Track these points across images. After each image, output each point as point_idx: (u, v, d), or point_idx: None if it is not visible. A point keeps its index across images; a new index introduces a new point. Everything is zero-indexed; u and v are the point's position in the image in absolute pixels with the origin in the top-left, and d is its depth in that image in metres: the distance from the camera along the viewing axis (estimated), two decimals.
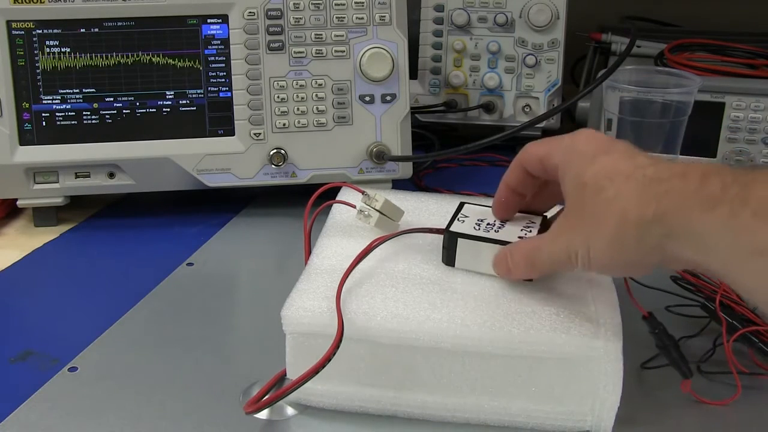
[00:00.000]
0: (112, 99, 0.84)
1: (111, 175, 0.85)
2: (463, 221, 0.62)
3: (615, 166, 0.51)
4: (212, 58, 0.85)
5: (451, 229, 0.60)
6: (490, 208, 0.63)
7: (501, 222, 0.61)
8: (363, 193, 0.65)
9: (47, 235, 0.85)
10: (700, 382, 0.59)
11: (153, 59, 0.84)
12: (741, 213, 0.44)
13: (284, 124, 0.86)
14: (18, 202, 0.85)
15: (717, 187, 0.46)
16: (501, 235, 0.59)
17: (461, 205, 0.64)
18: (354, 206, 0.66)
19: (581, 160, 0.53)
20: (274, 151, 0.85)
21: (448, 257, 0.60)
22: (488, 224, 0.61)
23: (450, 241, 0.60)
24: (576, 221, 0.53)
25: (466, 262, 0.60)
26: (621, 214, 0.49)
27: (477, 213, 0.63)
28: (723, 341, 0.59)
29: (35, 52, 0.82)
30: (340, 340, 0.52)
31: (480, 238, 0.59)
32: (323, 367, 0.51)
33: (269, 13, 0.84)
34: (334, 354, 0.51)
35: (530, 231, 0.60)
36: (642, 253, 0.49)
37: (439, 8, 1.05)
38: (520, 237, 0.59)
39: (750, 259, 0.44)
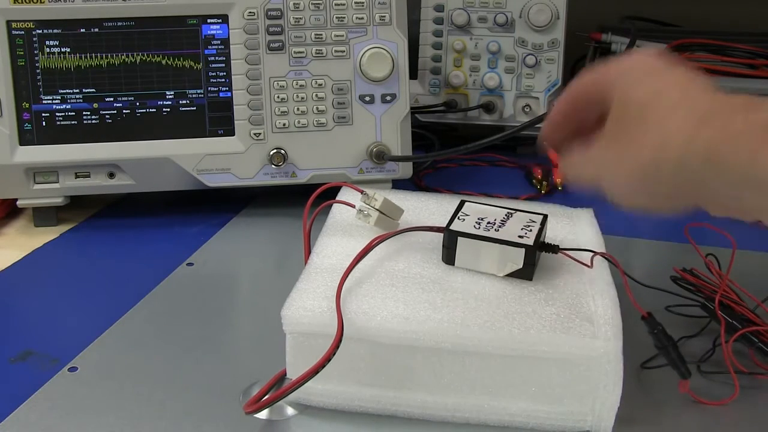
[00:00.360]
0: (112, 99, 0.84)
1: (111, 175, 0.85)
2: (464, 220, 0.61)
3: (666, 91, 0.46)
4: (212, 58, 0.85)
5: (451, 227, 0.60)
6: (491, 207, 0.63)
7: (501, 221, 0.61)
8: (362, 192, 0.65)
9: (47, 235, 0.85)
10: (700, 382, 0.59)
11: (153, 59, 0.84)
12: None
13: (284, 124, 0.86)
14: (18, 202, 0.85)
15: (765, 121, 0.41)
16: (501, 234, 0.59)
17: (462, 203, 0.64)
18: (353, 206, 0.66)
19: (632, 76, 0.49)
20: (274, 151, 0.85)
21: (448, 256, 0.60)
22: (489, 223, 0.61)
23: (450, 240, 0.60)
24: (615, 136, 0.49)
25: (466, 261, 0.60)
26: (666, 137, 0.45)
27: (478, 212, 0.63)
28: (721, 341, 0.59)
29: (35, 52, 0.82)
30: (340, 340, 0.52)
31: (480, 237, 0.59)
32: (323, 367, 0.51)
33: (269, 13, 0.84)
34: (334, 354, 0.51)
35: (530, 230, 0.60)
36: (677, 186, 0.45)
37: (439, 8, 1.05)
38: (519, 236, 0.59)
39: None
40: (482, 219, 0.61)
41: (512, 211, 0.63)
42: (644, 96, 0.47)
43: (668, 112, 0.45)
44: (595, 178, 0.51)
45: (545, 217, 0.62)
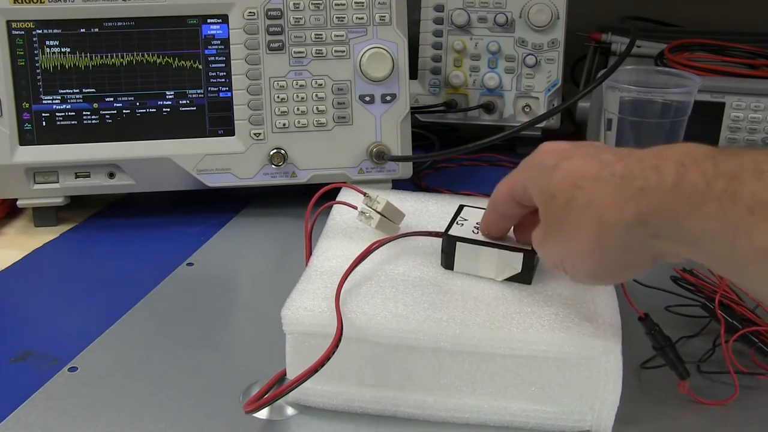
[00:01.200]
0: (112, 99, 0.84)
1: (111, 175, 0.85)
2: (462, 224, 0.61)
3: (580, 171, 0.47)
4: (212, 58, 0.85)
5: (450, 232, 0.60)
6: None
7: None
8: (364, 194, 0.65)
9: (47, 235, 0.85)
10: (700, 382, 0.59)
11: (153, 59, 0.84)
12: (733, 210, 0.40)
13: (284, 124, 0.86)
14: (18, 202, 0.85)
15: (698, 181, 0.42)
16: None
17: (460, 207, 0.64)
18: (355, 207, 0.66)
19: (544, 172, 0.49)
20: (274, 151, 0.85)
21: (447, 261, 0.60)
22: None
23: (449, 245, 0.60)
24: (552, 234, 0.50)
25: (464, 266, 0.60)
26: (598, 221, 0.46)
27: (476, 216, 0.63)
28: (721, 341, 0.59)
29: (35, 52, 0.82)
30: (339, 340, 0.52)
31: (479, 242, 0.59)
32: (322, 366, 0.51)
33: (269, 13, 0.84)
34: (333, 353, 0.51)
35: None
36: (630, 256, 0.47)
37: (439, 8, 1.05)
38: (518, 241, 0.59)
39: (753, 262, 0.41)
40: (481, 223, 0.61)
41: None
42: (564, 186, 0.48)
43: (591, 193, 0.46)
44: (551, 265, 0.52)
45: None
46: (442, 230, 0.61)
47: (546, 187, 0.49)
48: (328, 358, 0.51)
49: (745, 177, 0.41)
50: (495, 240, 0.59)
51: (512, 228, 0.59)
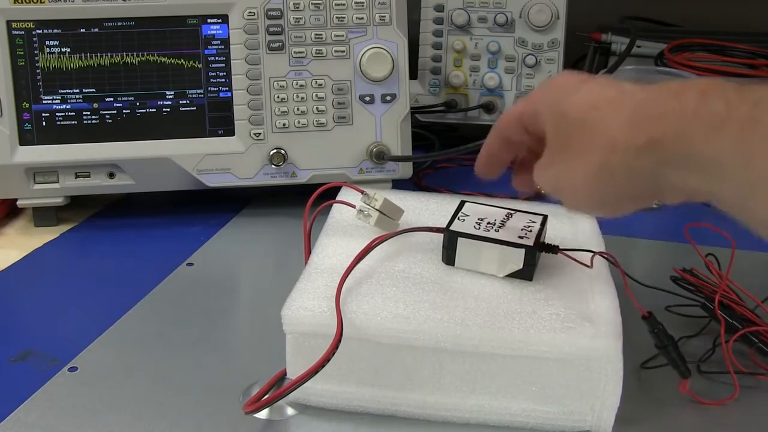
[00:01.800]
0: (112, 99, 0.84)
1: (111, 175, 0.85)
2: (464, 220, 0.61)
3: (599, 93, 0.46)
4: (212, 58, 0.85)
5: (452, 228, 0.60)
6: (491, 207, 0.63)
7: (501, 221, 0.61)
8: (362, 192, 0.65)
9: (47, 235, 0.85)
10: (700, 383, 0.59)
11: (153, 59, 0.84)
12: (753, 136, 0.40)
13: (284, 124, 0.86)
14: (18, 202, 0.85)
15: (720, 106, 0.41)
16: (501, 235, 0.59)
17: (462, 203, 0.64)
18: (354, 206, 0.66)
19: (561, 92, 0.48)
20: (274, 151, 0.85)
21: (448, 257, 0.60)
22: (489, 223, 0.61)
23: (450, 241, 0.60)
24: (557, 154, 0.49)
25: (466, 262, 0.60)
26: (608, 143, 0.45)
27: (478, 212, 0.63)
28: (721, 341, 0.59)
29: (35, 52, 0.82)
30: (340, 340, 0.52)
31: (480, 238, 0.59)
32: (323, 367, 0.51)
33: (269, 13, 0.84)
34: (334, 354, 0.51)
35: (530, 231, 0.60)
36: (633, 184, 0.46)
37: (439, 8, 1.05)
38: (520, 237, 0.59)
39: (765, 190, 0.40)
40: (482, 219, 0.61)
41: (512, 212, 0.63)
42: (580, 105, 0.47)
43: (607, 114, 0.45)
44: (551, 191, 0.51)
45: (545, 217, 0.62)
46: (443, 227, 0.61)
47: (559, 105, 0.48)
48: (328, 359, 0.51)
49: (765, 104, 0.40)
50: (486, 171, 0.58)
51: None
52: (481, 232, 0.60)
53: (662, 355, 0.57)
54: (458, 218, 0.62)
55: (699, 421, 0.56)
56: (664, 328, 0.57)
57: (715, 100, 0.42)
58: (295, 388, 0.52)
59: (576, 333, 0.53)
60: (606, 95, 0.46)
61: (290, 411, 0.56)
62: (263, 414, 0.55)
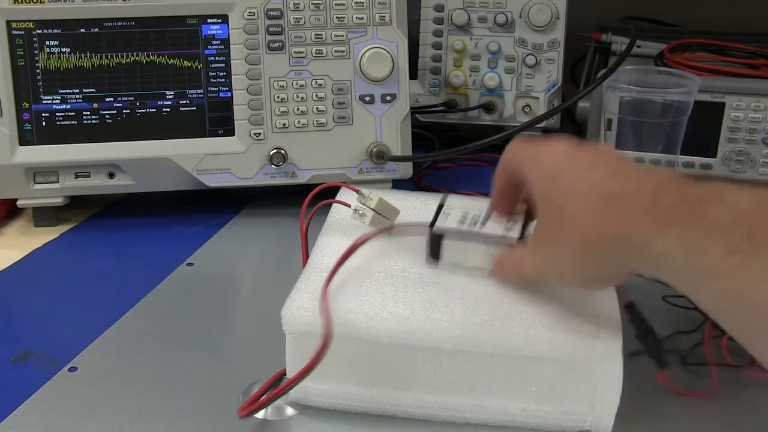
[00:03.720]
0: (112, 99, 0.84)
1: (111, 175, 0.85)
2: (448, 215, 0.61)
3: (574, 185, 0.50)
4: (212, 58, 0.85)
5: (436, 224, 0.60)
6: (475, 202, 0.63)
7: (485, 215, 0.61)
8: (358, 192, 0.66)
9: (47, 235, 0.85)
10: (698, 380, 0.59)
11: (153, 59, 0.84)
12: (693, 232, 0.43)
13: (284, 124, 0.86)
14: (18, 202, 0.85)
15: (670, 205, 0.45)
16: (487, 229, 0.59)
17: (444, 197, 0.64)
18: (350, 205, 0.66)
19: (546, 175, 0.52)
20: (274, 151, 0.85)
21: (434, 253, 0.60)
22: (473, 217, 0.61)
23: (434, 240, 0.60)
24: (546, 237, 0.53)
25: (453, 257, 0.60)
26: (583, 234, 0.49)
27: (461, 206, 0.62)
28: (705, 335, 0.59)
29: (35, 52, 0.82)
30: (329, 340, 0.51)
31: (465, 233, 0.59)
32: (314, 367, 0.51)
33: (269, 13, 0.84)
34: (325, 352, 0.51)
35: (515, 223, 0.60)
36: (609, 269, 0.50)
37: (439, 8, 1.05)
38: (506, 230, 0.59)
39: (705, 281, 0.44)
40: (467, 213, 0.61)
41: None
42: (558, 195, 0.51)
43: (581, 206, 0.49)
44: (536, 278, 0.55)
45: (528, 208, 0.62)
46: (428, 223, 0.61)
47: (546, 191, 0.53)
48: (320, 359, 0.51)
49: (710, 202, 0.44)
50: (501, 209, 0.60)
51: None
52: (465, 228, 0.59)
53: (641, 344, 0.57)
54: (443, 213, 0.62)
55: (699, 421, 0.56)
56: (644, 318, 0.58)
57: (666, 199, 0.45)
58: (289, 389, 0.51)
59: (576, 333, 0.53)
60: (579, 188, 0.50)
61: (290, 411, 0.56)
62: (262, 414, 0.55)
